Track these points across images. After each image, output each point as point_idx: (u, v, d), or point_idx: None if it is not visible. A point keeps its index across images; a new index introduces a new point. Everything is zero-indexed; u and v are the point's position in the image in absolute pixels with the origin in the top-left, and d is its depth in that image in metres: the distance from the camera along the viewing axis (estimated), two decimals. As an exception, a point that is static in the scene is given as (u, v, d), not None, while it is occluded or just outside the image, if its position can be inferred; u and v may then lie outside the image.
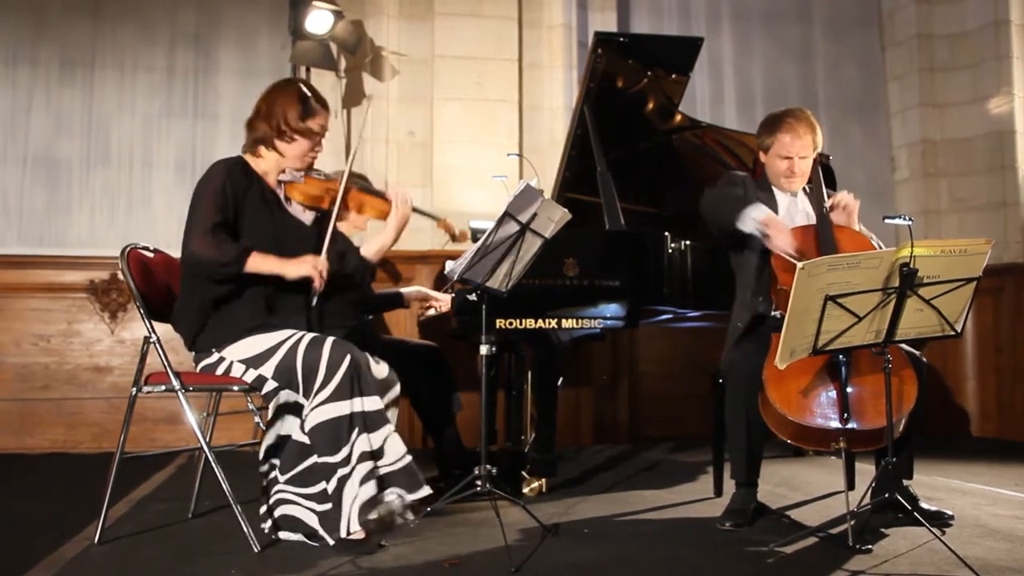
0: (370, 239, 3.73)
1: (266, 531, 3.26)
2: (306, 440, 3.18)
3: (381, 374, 3.30)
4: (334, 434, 3.08)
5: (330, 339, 3.19)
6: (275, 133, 3.37)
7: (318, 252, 3.34)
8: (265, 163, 3.42)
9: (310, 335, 3.22)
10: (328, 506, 3.12)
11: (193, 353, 3.36)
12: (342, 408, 3.09)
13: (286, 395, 3.24)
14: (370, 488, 3.07)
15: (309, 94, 3.43)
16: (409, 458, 3.17)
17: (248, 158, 3.43)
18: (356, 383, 3.12)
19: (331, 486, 3.10)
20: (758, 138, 3.98)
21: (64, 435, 5.93)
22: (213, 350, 3.29)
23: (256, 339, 3.23)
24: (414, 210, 3.68)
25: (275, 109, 3.38)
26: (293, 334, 3.22)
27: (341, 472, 3.08)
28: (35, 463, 5.47)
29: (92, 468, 5.06)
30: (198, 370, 3.34)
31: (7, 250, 6.11)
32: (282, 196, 3.45)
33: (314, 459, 3.15)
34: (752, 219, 3.67)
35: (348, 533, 3.07)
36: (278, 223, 3.39)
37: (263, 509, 3.29)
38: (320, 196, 3.46)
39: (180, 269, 3.37)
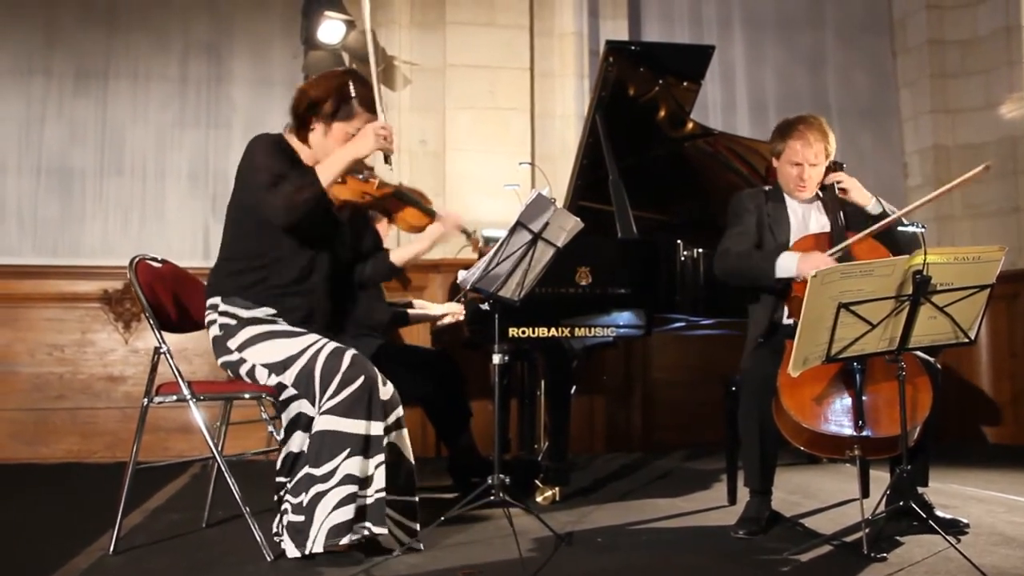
0: (403, 245, 3.66)
1: (280, 542, 3.24)
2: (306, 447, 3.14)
3: (386, 395, 3.17)
4: (324, 447, 3.01)
5: (351, 352, 3.13)
6: (303, 120, 3.28)
7: (356, 248, 3.30)
8: (305, 152, 3.32)
9: (333, 344, 3.15)
10: (300, 518, 3.05)
11: (213, 338, 3.27)
12: (345, 425, 3.03)
13: (298, 405, 3.19)
14: (345, 512, 2.98)
15: (354, 95, 3.30)
16: (383, 493, 3.05)
17: (290, 138, 3.34)
18: (367, 404, 3.06)
19: (306, 499, 3.03)
20: (771, 143, 3.98)
21: (78, 444, 5.95)
22: (232, 347, 3.22)
23: (278, 343, 3.17)
24: (461, 230, 3.66)
25: (308, 99, 3.27)
26: (316, 341, 3.16)
27: (319, 487, 2.99)
28: (50, 472, 5.49)
29: (106, 477, 5.08)
30: (219, 363, 3.29)
31: (21, 260, 6.15)
32: None
33: (306, 468, 3.07)
34: (790, 269, 3.66)
35: (311, 552, 3.00)
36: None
37: (276, 520, 3.28)
38: (352, 201, 3.40)
39: (229, 229, 3.31)
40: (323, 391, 3.07)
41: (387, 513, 3.10)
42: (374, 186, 3.43)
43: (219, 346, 3.26)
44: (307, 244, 3.27)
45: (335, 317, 3.41)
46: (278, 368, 3.16)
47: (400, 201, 3.54)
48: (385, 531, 3.05)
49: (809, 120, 3.88)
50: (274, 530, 3.26)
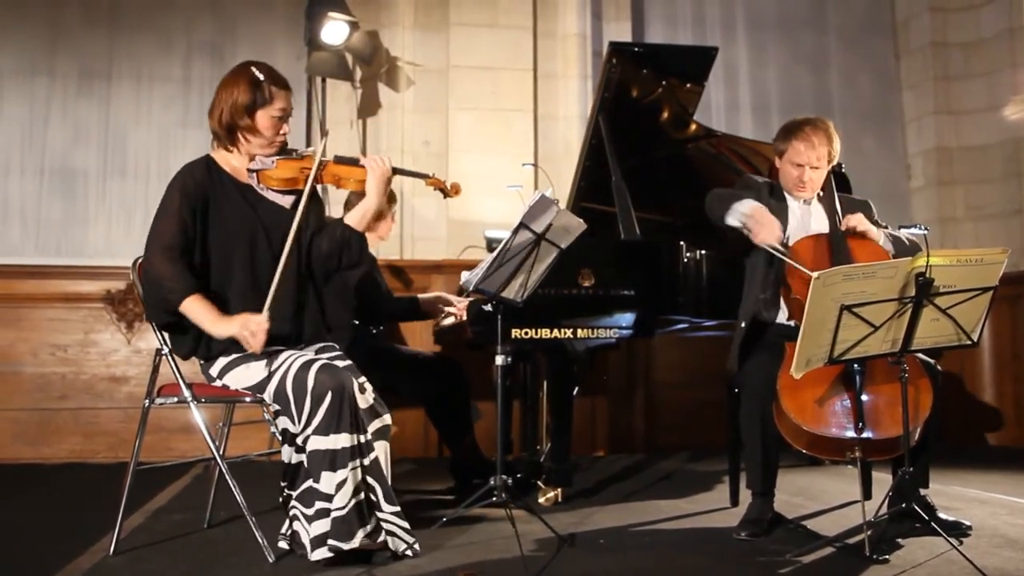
0: (352, 208, 3.49)
1: (284, 544, 3.24)
2: (305, 461, 3.13)
3: (365, 403, 3.13)
4: (325, 460, 3.02)
5: (317, 365, 3.08)
6: (230, 131, 3.27)
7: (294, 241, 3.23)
8: (234, 158, 3.31)
9: (300, 360, 3.12)
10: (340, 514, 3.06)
11: (200, 365, 3.32)
12: (328, 442, 3.02)
13: (283, 421, 3.20)
14: (322, 526, 3.01)
15: (262, 78, 3.27)
16: (344, 510, 3.00)
17: (215, 155, 3.33)
18: (337, 417, 3.02)
19: (313, 511, 3.04)
20: (774, 143, 3.97)
21: (81, 445, 5.95)
22: (214, 374, 3.24)
23: (249, 367, 3.17)
24: (396, 170, 3.43)
25: (224, 105, 3.26)
26: (284, 360, 3.14)
27: (321, 504, 3.03)
28: (52, 473, 5.50)
29: (108, 478, 5.08)
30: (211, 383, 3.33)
31: (24, 260, 6.15)
32: (256, 185, 3.31)
33: (310, 482, 3.08)
34: (739, 212, 3.67)
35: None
36: (256, 214, 3.26)
37: (285, 526, 3.27)
38: (294, 178, 3.29)
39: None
40: (299, 412, 3.06)
41: (389, 522, 3.11)
42: (310, 160, 3.32)
43: (204, 372, 3.31)
44: (247, 256, 3.24)
45: (305, 316, 3.34)
46: (256, 389, 3.18)
47: (339, 164, 3.39)
48: (355, 544, 3.00)
49: (816, 123, 3.86)
50: (282, 529, 3.27)
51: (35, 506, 4.47)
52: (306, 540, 3.08)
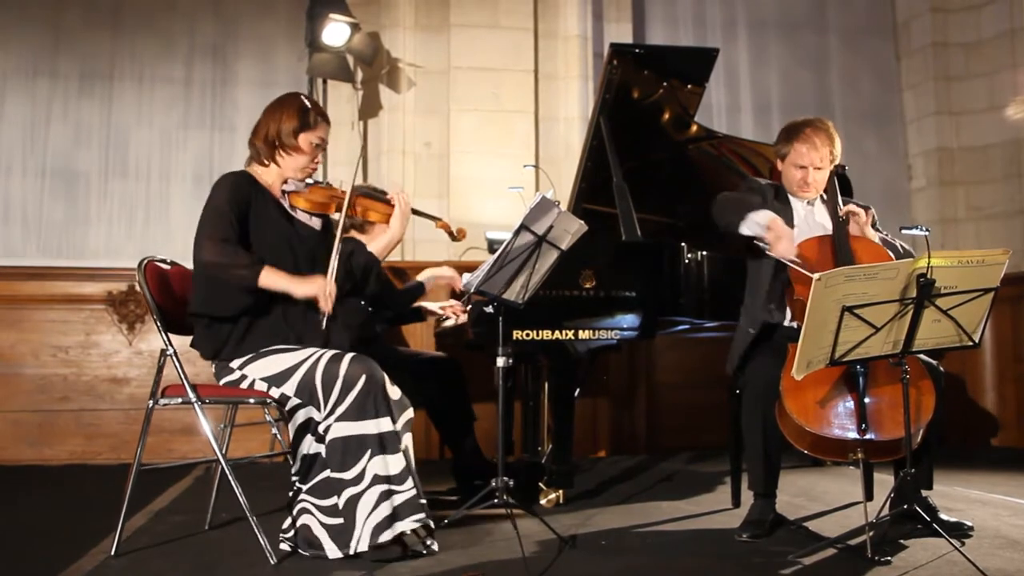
0: (377, 238, 3.70)
1: (287, 546, 3.25)
2: (323, 452, 3.19)
3: (395, 395, 3.27)
4: (347, 451, 3.11)
5: (349, 355, 3.20)
6: (272, 147, 3.43)
7: (327, 257, 3.36)
8: (268, 175, 3.46)
9: (330, 352, 3.23)
10: (340, 520, 3.13)
11: (213, 368, 3.37)
12: (356, 428, 3.12)
13: (306, 412, 3.26)
14: (385, 509, 3.10)
15: (309, 106, 3.48)
16: (415, 490, 3.18)
17: (252, 170, 3.47)
18: (373, 402, 3.14)
19: (341, 501, 3.12)
20: (776, 145, 3.98)
21: (82, 446, 5.95)
22: (234, 367, 3.30)
23: (277, 358, 3.25)
24: (413, 211, 3.67)
25: (272, 123, 3.44)
26: (314, 352, 3.24)
27: (352, 490, 3.10)
28: (53, 474, 5.49)
29: (110, 479, 5.07)
30: (220, 384, 3.36)
31: (26, 261, 6.15)
32: (287, 205, 3.47)
33: (328, 472, 3.16)
34: (755, 223, 3.65)
35: (356, 551, 3.10)
36: (288, 230, 3.42)
37: (287, 523, 3.29)
38: (325, 203, 3.49)
39: (192, 283, 3.38)
40: (326, 399, 3.15)
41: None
42: (338, 190, 3.54)
43: (220, 368, 3.36)
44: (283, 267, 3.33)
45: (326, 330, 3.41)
46: (278, 380, 3.23)
47: (366, 197, 3.62)
48: (421, 521, 3.16)
49: (816, 124, 3.86)
50: (283, 527, 3.28)
51: (36, 508, 4.47)
52: (320, 533, 3.15)
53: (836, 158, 3.87)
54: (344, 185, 3.55)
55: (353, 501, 3.09)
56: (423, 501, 3.20)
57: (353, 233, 4.47)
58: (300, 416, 3.29)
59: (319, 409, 3.18)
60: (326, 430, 3.15)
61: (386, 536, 3.09)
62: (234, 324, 3.28)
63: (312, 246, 3.45)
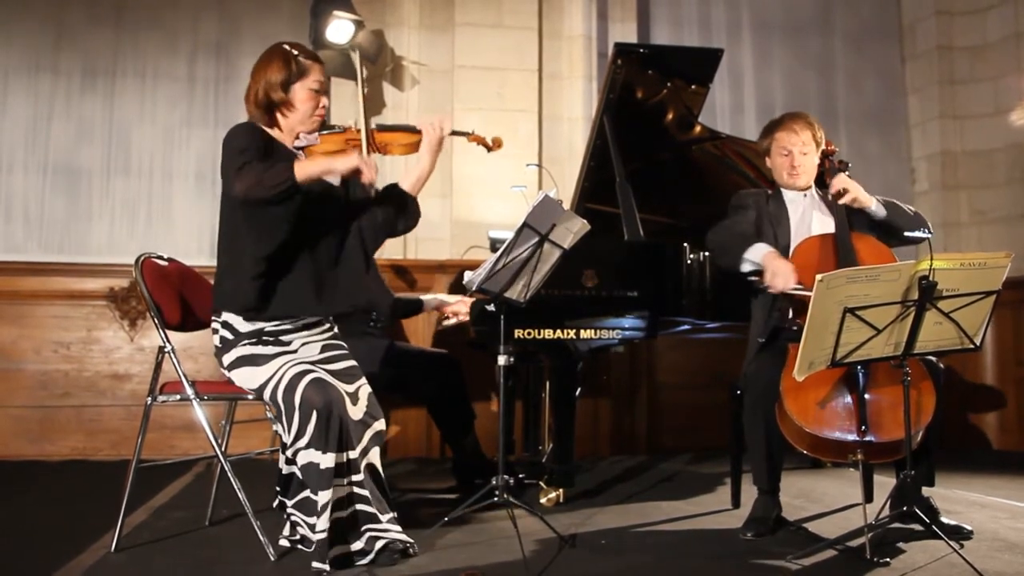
0: (406, 173, 3.54)
1: (286, 543, 3.25)
2: (297, 473, 3.15)
3: (358, 414, 3.15)
4: (320, 477, 3.01)
5: (306, 380, 3.07)
6: (267, 108, 3.26)
7: (346, 215, 3.30)
8: (276, 133, 3.31)
9: (291, 372, 3.11)
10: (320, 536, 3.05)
11: (215, 346, 3.28)
12: (314, 457, 3.02)
13: (280, 428, 3.17)
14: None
15: (295, 53, 3.27)
16: (326, 532, 2.98)
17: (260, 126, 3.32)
18: (326, 434, 3.02)
19: (319, 523, 3.02)
20: (759, 144, 4.11)
21: (83, 442, 5.96)
22: (225, 363, 3.24)
23: (255, 370, 3.17)
24: (452, 132, 3.53)
25: (258, 83, 3.26)
26: (280, 367, 3.14)
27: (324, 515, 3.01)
28: (54, 470, 5.50)
29: (111, 475, 5.08)
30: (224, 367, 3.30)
31: (28, 257, 6.16)
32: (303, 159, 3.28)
33: (307, 492, 3.09)
34: (751, 262, 3.77)
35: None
36: (304, 188, 3.20)
37: (286, 530, 3.28)
38: (341, 151, 3.29)
39: (220, 243, 3.27)
40: (289, 424, 3.07)
41: (387, 531, 3.11)
42: (353, 130, 3.35)
43: (218, 357, 3.29)
44: (301, 229, 3.21)
45: (341, 291, 3.34)
46: (258, 392, 3.19)
47: (384, 131, 3.44)
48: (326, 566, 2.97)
49: (792, 114, 4.03)
50: (284, 533, 3.28)
51: (37, 503, 4.47)
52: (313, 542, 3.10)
53: (820, 143, 3.98)
54: (358, 124, 3.37)
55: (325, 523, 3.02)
56: (361, 540, 3.06)
57: None
58: (278, 428, 3.19)
59: (284, 432, 3.10)
60: (295, 454, 3.07)
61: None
62: (256, 279, 3.15)
63: (331, 202, 3.30)
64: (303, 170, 3.04)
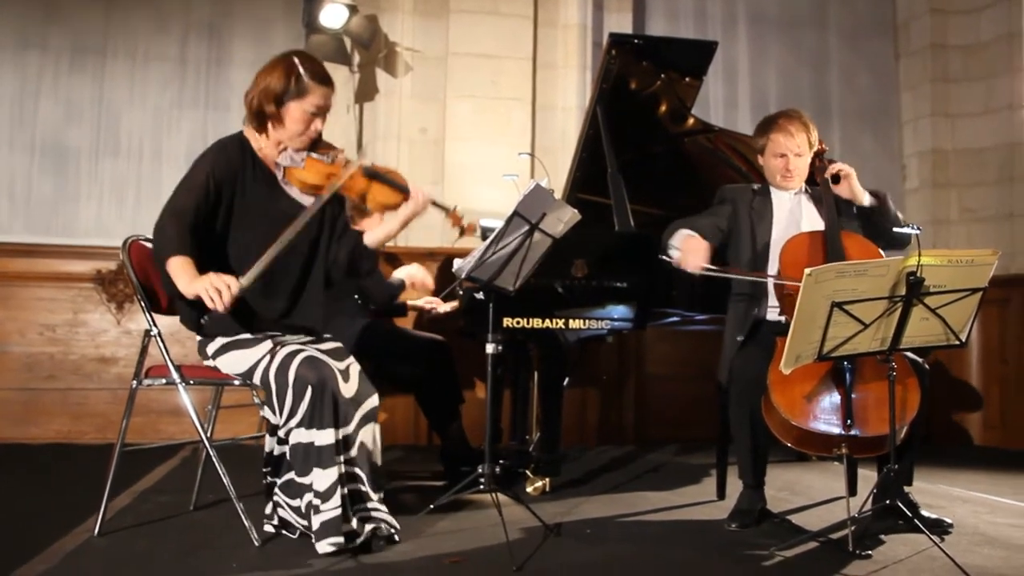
0: (375, 228, 3.49)
1: (270, 529, 3.25)
2: (287, 453, 3.14)
3: (350, 392, 3.13)
4: (307, 457, 3.00)
5: (299, 357, 3.05)
6: (259, 117, 3.22)
7: (317, 234, 3.26)
8: (264, 141, 3.26)
9: (282, 352, 3.09)
10: (306, 522, 3.07)
11: (198, 340, 3.28)
12: (307, 436, 3.01)
13: (267, 411, 3.17)
14: (315, 524, 3.00)
15: (302, 70, 3.19)
16: (339, 510, 2.98)
17: (249, 133, 3.28)
18: (320, 411, 3.00)
19: (303, 505, 3.06)
20: (753, 140, 4.06)
21: (68, 426, 5.94)
22: (209, 352, 3.23)
23: (241, 353, 3.15)
24: (433, 204, 3.42)
25: (257, 89, 3.21)
26: (270, 349, 3.12)
27: (309, 496, 3.02)
28: (39, 453, 5.48)
29: (96, 459, 5.06)
30: (204, 364, 3.32)
31: (14, 238, 6.10)
32: (280, 177, 3.26)
33: (293, 475, 3.09)
34: (672, 247, 3.81)
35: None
36: (273, 204, 3.21)
37: (268, 508, 3.28)
38: (319, 185, 3.22)
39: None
40: (281, 404, 3.06)
41: (377, 510, 3.12)
42: (339, 166, 3.26)
43: (201, 351, 3.28)
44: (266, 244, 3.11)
45: (301, 305, 3.30)
46: (246, 376, 3.17)
47: (369, 179, 3.31)
48: (337, 546, 2.97)
49: (789, 113, 3.97)
50: (267, 512, 3.28)
51: (21, 487, 4.46)
52: (299, 526, 3.13)
53: (814, 145, 3.95)
54: (348, 165, 3.27)
55: (310, 509, 3.02)
56: (353, 521, 3.04)
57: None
58: (266, 412, 3.17)
59: (275, 414, 3.08)
60: (287, 434, 3.06)
61: (323, 547, 2.97)
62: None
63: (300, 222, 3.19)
64: (173, 267, 2.95)
